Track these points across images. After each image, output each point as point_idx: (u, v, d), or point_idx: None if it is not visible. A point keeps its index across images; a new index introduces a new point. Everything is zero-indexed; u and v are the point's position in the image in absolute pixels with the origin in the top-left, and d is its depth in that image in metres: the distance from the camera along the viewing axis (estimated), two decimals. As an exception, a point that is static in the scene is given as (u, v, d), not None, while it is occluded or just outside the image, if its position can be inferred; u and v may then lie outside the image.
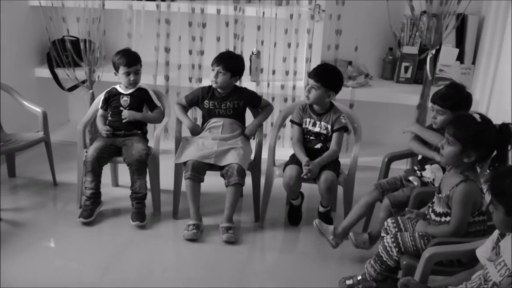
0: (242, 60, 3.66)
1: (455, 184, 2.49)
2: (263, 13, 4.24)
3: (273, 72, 4.44)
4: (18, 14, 4.41)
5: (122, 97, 3.61)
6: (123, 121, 3.56)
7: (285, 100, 4.47)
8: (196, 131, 3.62)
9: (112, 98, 3.64)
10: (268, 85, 4.42)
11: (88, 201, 3.48)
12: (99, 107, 3.68)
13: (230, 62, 3.52)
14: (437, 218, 2.58)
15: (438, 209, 2.58)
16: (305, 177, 3.29)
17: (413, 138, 3.24)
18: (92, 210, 3.48)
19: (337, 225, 3.18)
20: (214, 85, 3.54)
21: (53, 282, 2.87)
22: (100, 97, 3.70)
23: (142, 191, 3.47)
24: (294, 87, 4.42)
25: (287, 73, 4.41)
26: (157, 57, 4.45)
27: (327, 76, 3.36)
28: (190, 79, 4.47)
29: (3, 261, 3.02)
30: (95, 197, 3.50)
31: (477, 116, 2.48)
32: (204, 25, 4.34)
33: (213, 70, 3.51)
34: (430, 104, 3.15)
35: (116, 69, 3.62)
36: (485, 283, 2.09)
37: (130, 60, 3.59)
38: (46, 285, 2.85)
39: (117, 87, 3.67)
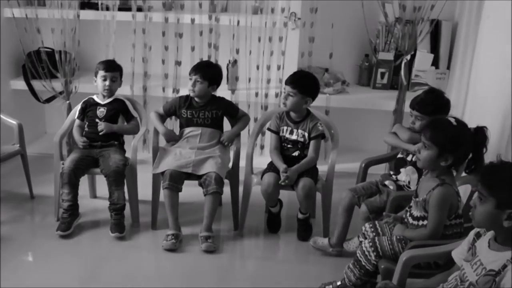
0: (220, 69, 3.67)
1: (432, 188, 2.51)
2: (238, 21, 4.26)
3: (249, 80, 4.45)
4: (-8, 26, 4.37)
5: (99, 108, 3.59)
6: (100, 133, 3.54)
7: (261, 107, 4.46)
8: (170, 136, 3.61)
9: (88, 108, 3.62)
10: (246, 93, 4.42)
11: (65, 214, 3.45)
12: (76, 117, 3.66)
13: (208, 71, 3.53)
14: (415, 222, 2.60)
15: (416, 213, 2.61)
16: (283, 183, 3.29)
17: (389, 132, 3.31)
18: (70, 222, 3.44)
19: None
20: (191, 94, 3.53)
21: (31, 296, 2.84)
22: (77, 107, 3.68)
23: (120, 202, 3.44)
24: (266, 95, 4.43)
25: (261, 81, 4.41)
26: (133, 68, 4.44)
27: (304, 83, 3.37)
28: (163, 89, 4.47)
29: (-21, 276, 2.99)
30: (73, 209, 3.46)
31: (452, 120, 2.51)
32: (180, 35, 4.34)
33: (190, 79, 3.51)
34: (409, 110, 3.18)
35: (96, 74, 3.62)
36: (462, 284, 2.10)
37: (109, 66, 3.60)
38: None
39: (95, 97, 3.66)
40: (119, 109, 3.62)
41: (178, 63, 4.41)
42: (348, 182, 3.62)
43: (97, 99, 3.64)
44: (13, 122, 3.81)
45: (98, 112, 3.58)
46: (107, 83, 3.56)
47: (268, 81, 4.41)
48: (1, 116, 3.83)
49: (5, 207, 3.80)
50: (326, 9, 4.23)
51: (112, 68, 3.60)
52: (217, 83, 3.60)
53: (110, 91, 3.60)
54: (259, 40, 4.31)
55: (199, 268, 3.18)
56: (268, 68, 4.39)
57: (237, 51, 4.37)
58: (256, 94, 4.42)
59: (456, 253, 2.25)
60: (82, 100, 3.68)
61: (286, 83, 3.40)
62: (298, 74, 3.52)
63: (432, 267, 2.51)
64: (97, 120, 3.57)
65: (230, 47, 4.35)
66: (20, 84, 4.60)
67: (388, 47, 4.50)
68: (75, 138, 3.63)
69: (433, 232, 2.51)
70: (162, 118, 3.67)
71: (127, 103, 3.67)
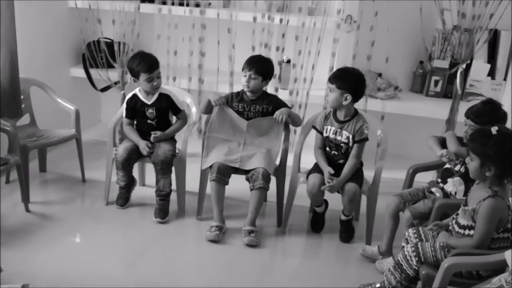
0: (272, 63, 3.66)
1: (483, 199, 2.49)
2: (288, 21, 4.27)
3: (295, 80, 4.46)
4: (57, 15, 4.55)
5: (147, 109, 3.59)
6: (152, 141, 3.56)
7: (308, 107, 4.46)
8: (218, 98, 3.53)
9: (137, 108, 3.60)
10: (296, 92, 4.45)
11: (122, 190, 3.67)
12: (124, 116, 3.66)
13: (262, 66, 3.51)
14: (461, 231, 2.58)
15: (463, 221, 2.58)
16: (326, 190, 3.30)
17: (433, 136, 3.27)
18: (127, 198, 3.70)
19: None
20: (246, 89, 3.51)
21: (77, 276, 2.94)
22: (124, 106, 3.68)
23: (166, 189, 3.53)
24: (307, 95, 4.43)
25: (310, 80, 4.41)
26: (191, 61, 4.55)
27: (342, 78, 3.31)
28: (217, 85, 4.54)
29: (30, 251, 3.11)
30: (129, 185, 3.68)
31: (494, 130, 2.47)
32: (235, 32, 4.39)
33: (244, 75, 3.51)
34: (461, 120, 3.14)
35: (136, 75, 3.52)
36: (507, 284, 2.07)
37: (151, 65, 3.52)
38: (70, 278, 2.91)
39: (139, 94, 3.60)
40: (167, 107, 3.64)
41: (230, 58, 4.45)
42: (394, 189, 3.59)
43: (143, 98, 3.59)
44: (70, 107, 3.95)
45: (147, 113, 3.60)
46: (154, 83, 3.53)
47: (319, 82, 4.41)
48: (60, 100, 3.97)
49: (57, 188, 3.96)
50: (381, 13, 4.21)
51: (155, 66, 3.53)
52: (270, 78, 3.60)
53: (158, 88, 3.60)
54: (308, 40, 4.31)
55: (240, 261, 3.22)
56: (313, 67, 4.37)
57: (290, 51, 4.39)
58: (307, 94, 4.43)
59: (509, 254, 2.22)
60: (127, 98, 3.65)
61: (328, 79, 3.38)
62: (340, 70, 3.44)
63: (473, 277, 2.48)
64: (148, 121, 3.61)
65: (282, 46, 4.37)
66: (79, 72, 4.76)
67: (444, 55, 4.45)
68: (133, 140, 3.59)
69: (479, 243, 2.48)
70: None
71: (173, 96, 3.65)
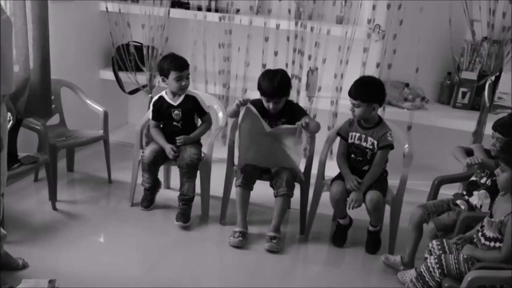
0: (288, 76, 3.54)
1: (511, 211, 2.47)
2: (320, 29, 4.28)
3: (319, 89, 4.45)
4: (88, 18, 4.63)
5: (173, 111, 3.63)
6: (177, 144, 3.60)
7: (335, 115, 4.45)
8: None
9: (163, 110, 3.64)
10: (322, 101, 4.45)
11: (147, 191, 3.71)
12: (151, 117, 3.70)
13: (283, 90, 3.41)
14: (487, 243, 2.55)
15: (489, 233, 2.55)
16: (354, 206, 3.27)
17: (459, 146, 3.25)
18: (152, 200, 3.73)
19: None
20: (271, 111, 3.43)
21: (98, 275, 2.97)
22: (150, 108, 3.71)
23: (189, 194, 3.56)
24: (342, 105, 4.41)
25: (339, 89, 4.39)
26: (217, 67, 4.60)
27: (365, 92, 3.29)
28: (245, 90, 4.57)
29: (54, 249, 3.17)
30: (154, 187, 3.72)
31: None
32: (266, 39, 4.41)
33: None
34: (489, 133, 3.11)
35: (165, 74, 3.56)
36: None
37: (182, 64, 3.57)
38: (92, 277, 2.95)
39: (165, 96, 3.65)
40: (192, 108, 3.67)
41: (263, 66, 4.45)
42: (418, 200, 3.57)
43: (169, 99, 3.63)
44: (99, 108, 4.01)
45: (173, 115, 3.63)
46: (183, 82, 3.57)
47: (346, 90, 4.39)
48: (89, 102, 4.04)
49: (83, 188, 4.02)
50: (411, 22, 4.18)
51: (185, 66, 3.58)
52: (289, 92, 3.53)
53: (185, 90, 3.64)
54: (340, 49, 4.30)
55: (261, 267, 3.23)
56: (342, 76, 4.36)
57: (317, 59, 4.40)
58: (332, 103, 4.42)
59: None
60: (153, 100, 3.70)
61: (349, 95, 3.34)
62: (358, 83, 3.36)
63: (498, 292, 2.46)
64: (174, 123, 3.64)
65: (310, 54, 4.38)
66: (108, 75, 4.84)
67: (472, 67, 4.41)
68: (159, 143, 3.62)
69: (507, 256, 2.45)
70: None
71: (199, 98, 3.68)
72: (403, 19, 4.13)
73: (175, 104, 3.63)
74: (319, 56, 4.38)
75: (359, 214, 3.54)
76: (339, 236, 3.54)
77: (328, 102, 4.43)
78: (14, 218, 3.41)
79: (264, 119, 3.41)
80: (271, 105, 3.41)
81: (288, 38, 4.38)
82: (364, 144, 3.37)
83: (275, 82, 3.37)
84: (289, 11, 4.34)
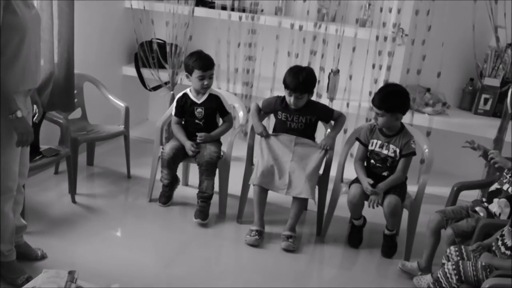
0: (314, 74, 3.55)
1: None
2: (343, 31, 4.28)
3: (345, 90, 4.46)
4: (113, 15, 4.68)
5: (196, 109, 3.65)
6: (198, 141, 3.62)
7: (351, 117, 4.42)
8: (262, 131, 3.56)
9: (186, 107, 3.68)
10: (347, 103, 4.45)
11: (166, 188, 3.74)
12: (173, 114, 3.73)
13: (307, 86, 3.46)
14: (508, 252, 2.53)
15: (510, 242, 2.53)
16: (375, 204, 3.27)
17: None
18: (170, 196, 3.77)
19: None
20: (292, 106, 3.49)
21: (115, 269, 3.01)
22: (173, 104, 3.74)
23: (208, 192, 3.57)
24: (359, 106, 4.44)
25: (361, 93, 4.39)
26: (242, 65, 4.64)
27: (389, 102, 3.26)
28: (271, 90, 4.58)
29: (73, 242, 3.21)
30: (172, 184, 3.76)
31: None
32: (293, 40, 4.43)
33: (290, 95, 3.48)
34: (510, 140, 3.09)
35: (189, 71, 3.60)
36: None
37: (206, 64, 3.58)
38: (108, 270, 2.98)
39: (190, 94, 3.68)
40: (215, 107, 3.69)
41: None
42: (437, 205, 3.56)
43: (193, 97, 3.67)
44: (121, 104, 4.05)
45: (196, 112, 3.65)
46: (205, 82, 3.59)
47: (370, 93, 4.38)
48: (111, 97, 4.08)
49: (103, 182, 4.06)
50: (434, 28, 4.17)
51: (209, 66, 3.59)
52: (312, 91, 3.56)
53: (208, 88, 3.66)
54: (367, 52, 4.30)
55: (277, 267, 3.24)
56: (375, 81, 4.36)
57: (337, 60, 4.40)
58: (350, 105, 4.42)
59: None
60: (177, 97, 3.73)
61: (372, 103, 3.33)
62: (383, 93, 3.34)
63: (515, 300, 2.44)
64: (196, 121, 3.67)
65: (333, 55, 4.39)
66: (130, 71, 4.88)
67: (496, 73, 4.37)
68: (180, 139, 3.66)
69: (527, 266, 2.44)
70: (259, 111, 3.66)
71: (222, 98, 3.70)
72: (427, 24, 4.12)
73: (199, 102, 3.65)
74: (342, 58, 4.38)
75: (375, 217, 3.54)
76: (354, 237, 3.55)
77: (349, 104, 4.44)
78: (34, 209, 3.46)
79: (285, 113, 3.51)
80: (292, 99, 3.44)
81: (304, 40, 4.40)
82: (385, 152, 3.36)
83: (300, 78, 3.42)
84: (308, 12, 4.35)
